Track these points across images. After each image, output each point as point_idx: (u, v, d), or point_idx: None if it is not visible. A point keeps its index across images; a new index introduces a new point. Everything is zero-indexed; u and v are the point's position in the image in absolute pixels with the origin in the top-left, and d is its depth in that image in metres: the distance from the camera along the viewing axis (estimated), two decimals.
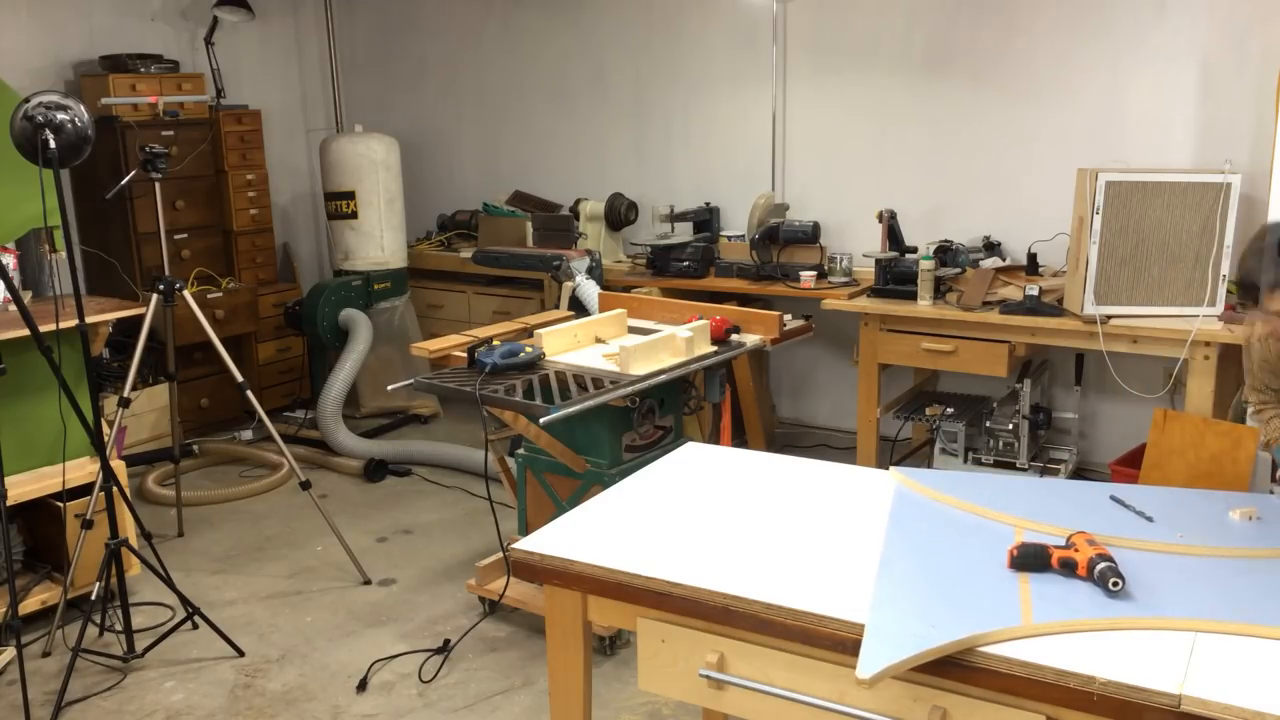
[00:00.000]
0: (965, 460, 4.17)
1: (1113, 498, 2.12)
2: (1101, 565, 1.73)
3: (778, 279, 4.67)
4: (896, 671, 1.56)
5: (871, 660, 1.57)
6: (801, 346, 5.05)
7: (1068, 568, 1.77)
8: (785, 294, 4.64)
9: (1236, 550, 1.90)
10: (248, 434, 5.45)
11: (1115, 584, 1.71)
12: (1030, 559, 1.80)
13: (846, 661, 1.70)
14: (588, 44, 5.63)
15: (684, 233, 5.05)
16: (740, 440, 4.49)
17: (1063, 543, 1.83)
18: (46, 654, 3.45)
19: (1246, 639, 1.61)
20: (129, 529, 3.61)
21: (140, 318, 3.91)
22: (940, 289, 4.13)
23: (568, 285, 4.35)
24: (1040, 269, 4.28)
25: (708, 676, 1.82)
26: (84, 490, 3.55)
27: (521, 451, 3.51)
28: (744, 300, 4.62)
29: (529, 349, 3.33)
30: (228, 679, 3.32)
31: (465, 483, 4.83)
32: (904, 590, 1.76)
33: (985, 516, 2.06)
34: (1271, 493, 2.50)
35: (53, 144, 3.01)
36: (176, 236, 5.33)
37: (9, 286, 3.16)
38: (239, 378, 3.94)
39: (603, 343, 3.55)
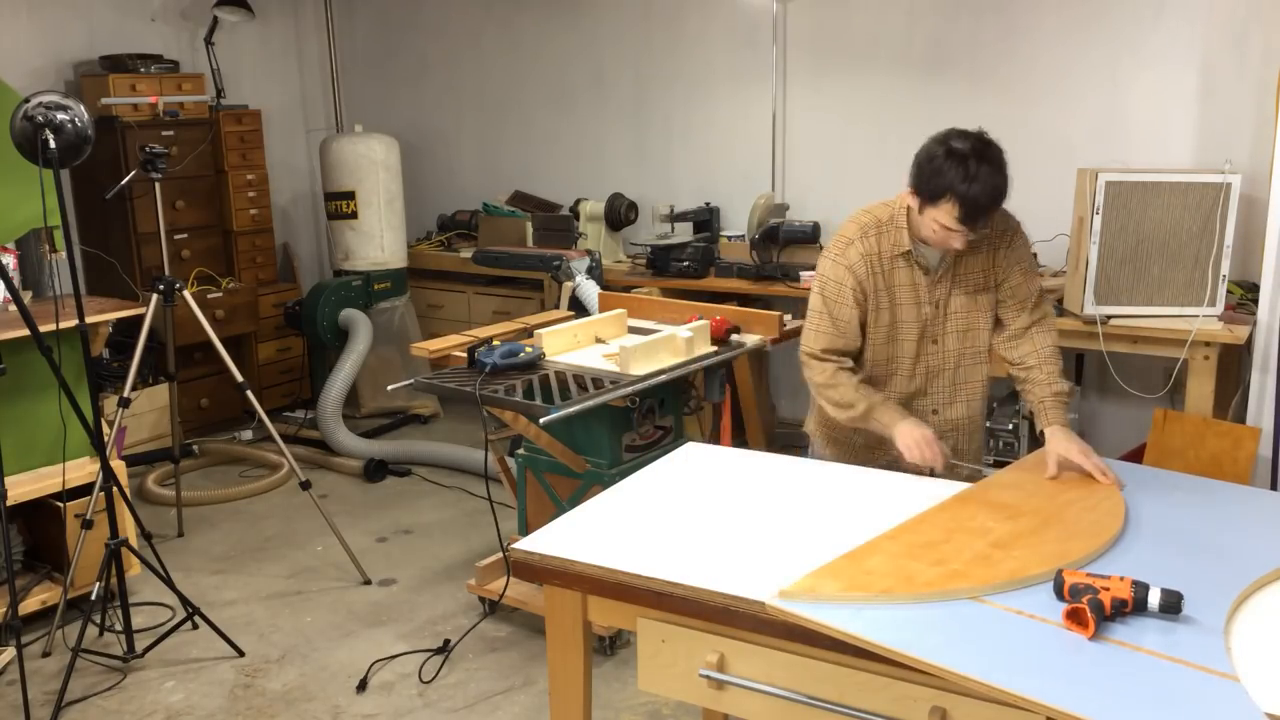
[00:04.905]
0: None
1: None
2: (1152, 597, 1.71)
3: (778, 279, 4.67)
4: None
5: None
6: None
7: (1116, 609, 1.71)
8: (785, 294, 4.63)
9: None
10: (248, 434, 5.45)
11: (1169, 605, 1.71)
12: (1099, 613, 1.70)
13: (846, 661, 1.70)
14: (588, 44, 5.62)
15: (684, 233, 5.04)
16: (740, 440, 4.48)
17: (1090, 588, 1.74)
18: (46, 654, 3.45)
19: None
20: (129, 529, 3.61)
21: (140, 318, 3.91)
22: None
23: (568, 285, 4.35)
24: (1040, 269, 4.27)
25: (708, 676, 1.82)
26: (84, 490, 3.55)
27: (521, 451, 3.51)
28: (744, 300, 4.62)
29: (529, 349, 3.32)
30: (228, 679, 3.32)
31: (465, 483, 4.83)
32: None
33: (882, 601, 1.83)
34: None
35: (53, 144, 3.01)
36: (176, 236, 5.33)
37: (9, 286, 3.16)
38: (239, 378, 3.93)
39: (603, 343, 3.55)
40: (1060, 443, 2.34)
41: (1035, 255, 2.61)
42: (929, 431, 2.44)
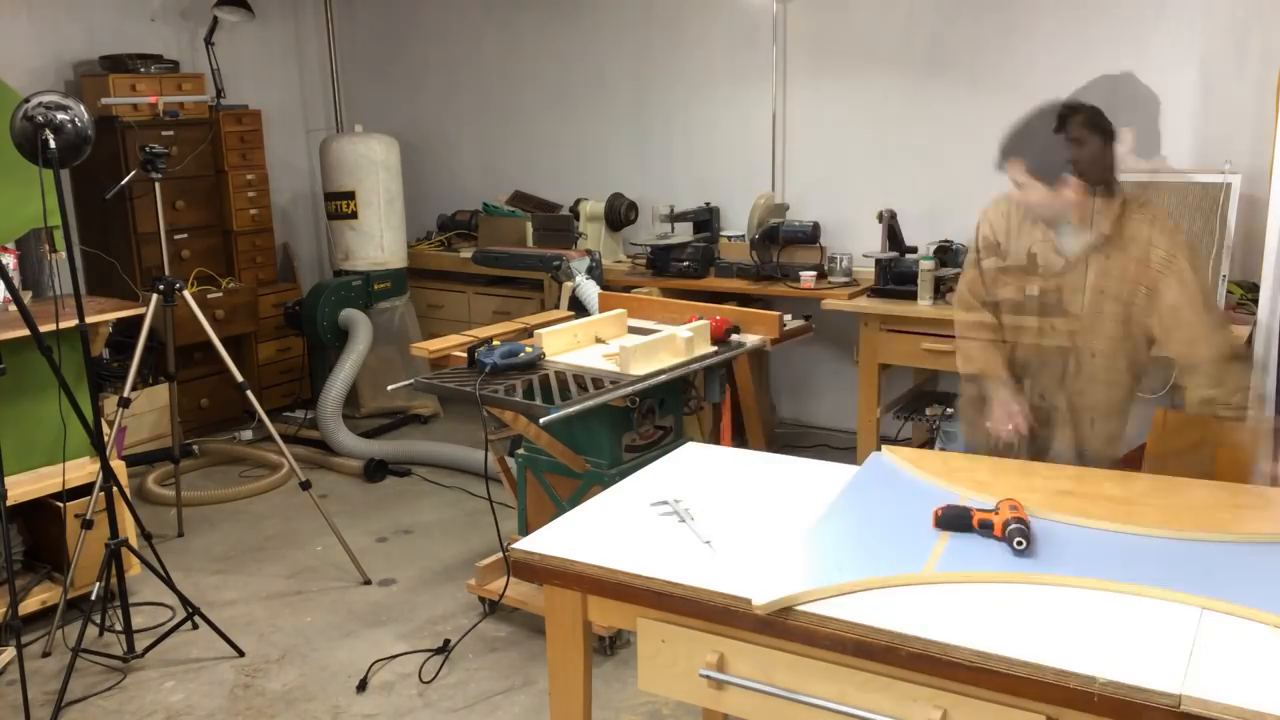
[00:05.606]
0: None
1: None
2: (1012, 526, 1.85)
3: (778, 279, 4.67)
4: (791, 604, 1.72)
5: (769, 591, 1.73)
6: (801, 346, 5.05)
7: (985, 529, 1.90)
8: (785, 294, 4.64)
9: (1156, 529, 1.97)
10: (248, 434, 5.45)
11: (1020, 544, 1.83)
12: (953, 520, 1.94)
13: (846, 661, 1.70)
14: (588, 44, 5.63)
15: (684, 233, 5.04)
16: (740, 440, 4.48)
17: (990, 507, 1.94)
18: (46, 654, 3.45)
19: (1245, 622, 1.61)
20: (129, 529, 3.61)
21: (140, 318, 3.91)
22: (940, 289, 4.13)
23: (568, 285, 4.35)
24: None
25: (708, 676, 1.82)
26: (84, 490, 3.55)
27: (521, 451, 3.51)
28: (744, 300, 4.62)
29: (529, 349, 3.32)
30: (228, 679, 3.32)
31: (465, 483, 4.83)
32: (829, 539, 1.94)
33: (955, 490, 2.14)
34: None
35: (53, 144, 3.01)
36: (176, 236, 5.33)
37: (9, 286, 3.16)
38: (239, 378, 3.93)
39: (603, 343, 3.55)
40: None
41: (1204, 291, 2.52)
42: (1015, 407, 2.57)
